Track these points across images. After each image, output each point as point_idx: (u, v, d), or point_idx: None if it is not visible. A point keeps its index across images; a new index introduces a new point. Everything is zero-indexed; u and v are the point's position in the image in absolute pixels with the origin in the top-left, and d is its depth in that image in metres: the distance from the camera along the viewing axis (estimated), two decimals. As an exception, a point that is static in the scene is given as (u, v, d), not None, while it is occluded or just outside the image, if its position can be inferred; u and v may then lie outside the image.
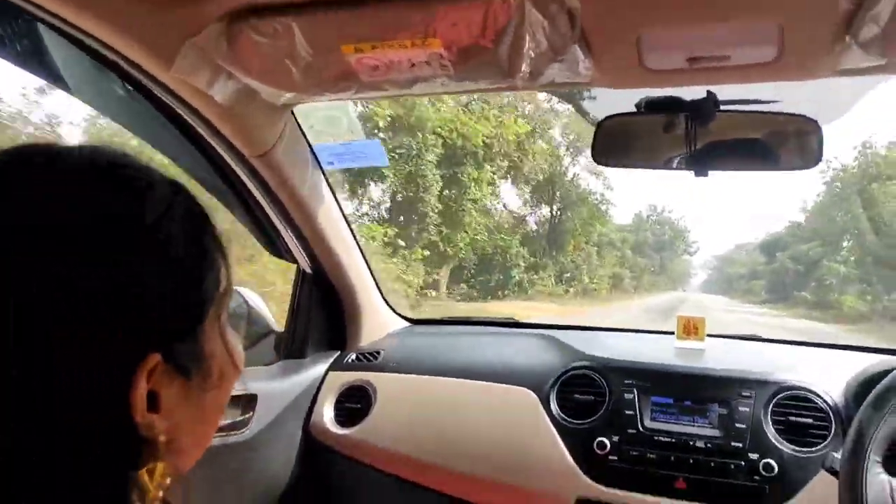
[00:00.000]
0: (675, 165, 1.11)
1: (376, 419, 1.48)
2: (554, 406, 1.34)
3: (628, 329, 1.87)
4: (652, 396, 1.30)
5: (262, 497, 1.47)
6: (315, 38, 0.89)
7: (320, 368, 1.59)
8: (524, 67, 0.91)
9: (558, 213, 19.07)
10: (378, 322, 1.76)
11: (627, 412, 1.28)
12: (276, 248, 1.50)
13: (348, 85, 1.00)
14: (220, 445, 1.29)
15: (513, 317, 1.94)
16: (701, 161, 1.07)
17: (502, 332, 1.77)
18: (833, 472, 0.90)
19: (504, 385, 1.42)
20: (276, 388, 1.48)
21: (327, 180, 1.46)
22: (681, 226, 36.34)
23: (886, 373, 0.91)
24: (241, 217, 1.42)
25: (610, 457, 1.25)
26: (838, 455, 0.89)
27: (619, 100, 1.15)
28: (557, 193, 18.86)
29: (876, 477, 0.84)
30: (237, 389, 0.68)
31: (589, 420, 1.30)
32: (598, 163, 1.14)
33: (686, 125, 1.07)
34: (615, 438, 1.26)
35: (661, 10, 0.83)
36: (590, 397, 1.33)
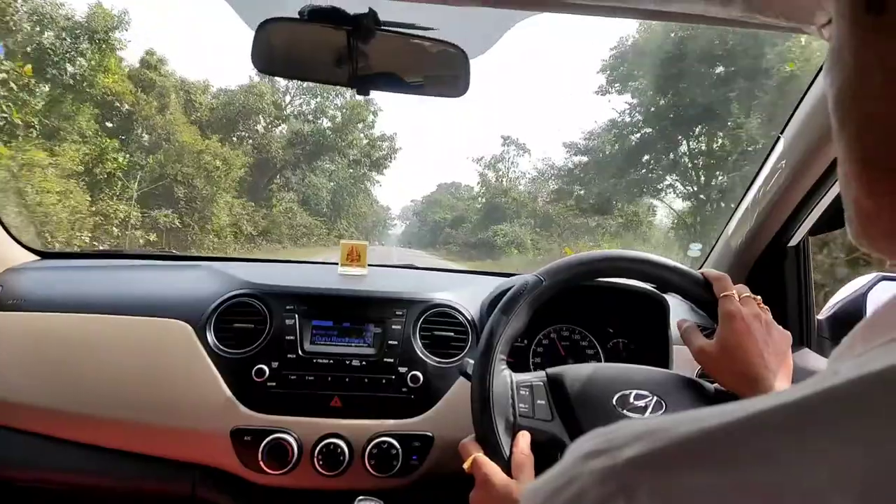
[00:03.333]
0: (336, 80, 1.08)
1: None
2: (211, 337, 1.24)
3: (293, 260, 1.85)
4: (313, 320, 1.29)
5: None
6: None
7: None
8: None
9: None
10: None
11: (288, 337, 1.25)
12: None
13: None
14: None
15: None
16: (361, 78, 1.06)
17: (156, 265, 1.57)
18: (466, 376, 0.97)
19: (155, 318, 1.26)
20: None
21: None
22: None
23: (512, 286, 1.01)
24: None
25: (268, 383, 1.21)
26: (472, 361, 0.97)
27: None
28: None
29: (500, 373, 0.94)
30: None
31: (248, 348, 1.24)
32: (257, 68, 1.04)
33: (348, 40, 1.04)
34: (275, 364, 1.23)
35: None
36: (250, 325, 1.26)
